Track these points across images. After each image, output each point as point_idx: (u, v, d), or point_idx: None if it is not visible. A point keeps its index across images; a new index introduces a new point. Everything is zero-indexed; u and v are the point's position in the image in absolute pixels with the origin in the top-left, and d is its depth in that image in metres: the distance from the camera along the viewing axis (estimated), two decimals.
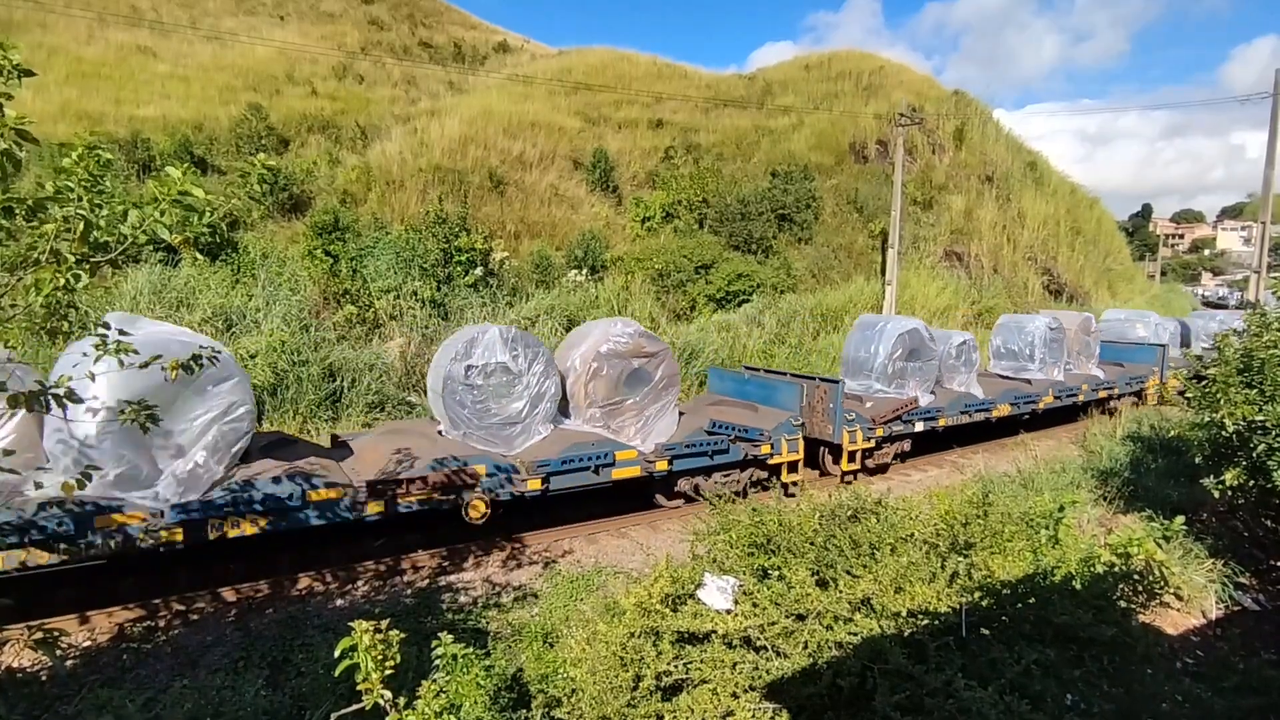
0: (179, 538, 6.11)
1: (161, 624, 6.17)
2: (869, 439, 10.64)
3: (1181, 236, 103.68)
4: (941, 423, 11.95)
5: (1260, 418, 6.74)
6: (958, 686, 3.71)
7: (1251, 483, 6.98)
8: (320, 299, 14.73)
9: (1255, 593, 7.05)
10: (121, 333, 3.30)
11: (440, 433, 8.23)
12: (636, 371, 8.73)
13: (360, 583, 7.11)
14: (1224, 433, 7.13)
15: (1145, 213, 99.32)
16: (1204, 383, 7.77)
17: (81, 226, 2.83)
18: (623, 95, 27.78)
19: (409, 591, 6.87)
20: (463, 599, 6.70)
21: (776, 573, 4.59)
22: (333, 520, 6.75)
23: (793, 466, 9.92)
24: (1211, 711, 4.69)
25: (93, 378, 3.91)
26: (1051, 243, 28.67)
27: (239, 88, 23.56)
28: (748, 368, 12.84)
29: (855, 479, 10.79)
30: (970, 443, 13.43)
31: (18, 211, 2.83)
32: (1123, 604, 5.68)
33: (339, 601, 6.68)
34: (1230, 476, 7.00)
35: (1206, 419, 7.46)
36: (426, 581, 7.14)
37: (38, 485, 4.12)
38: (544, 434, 8.26)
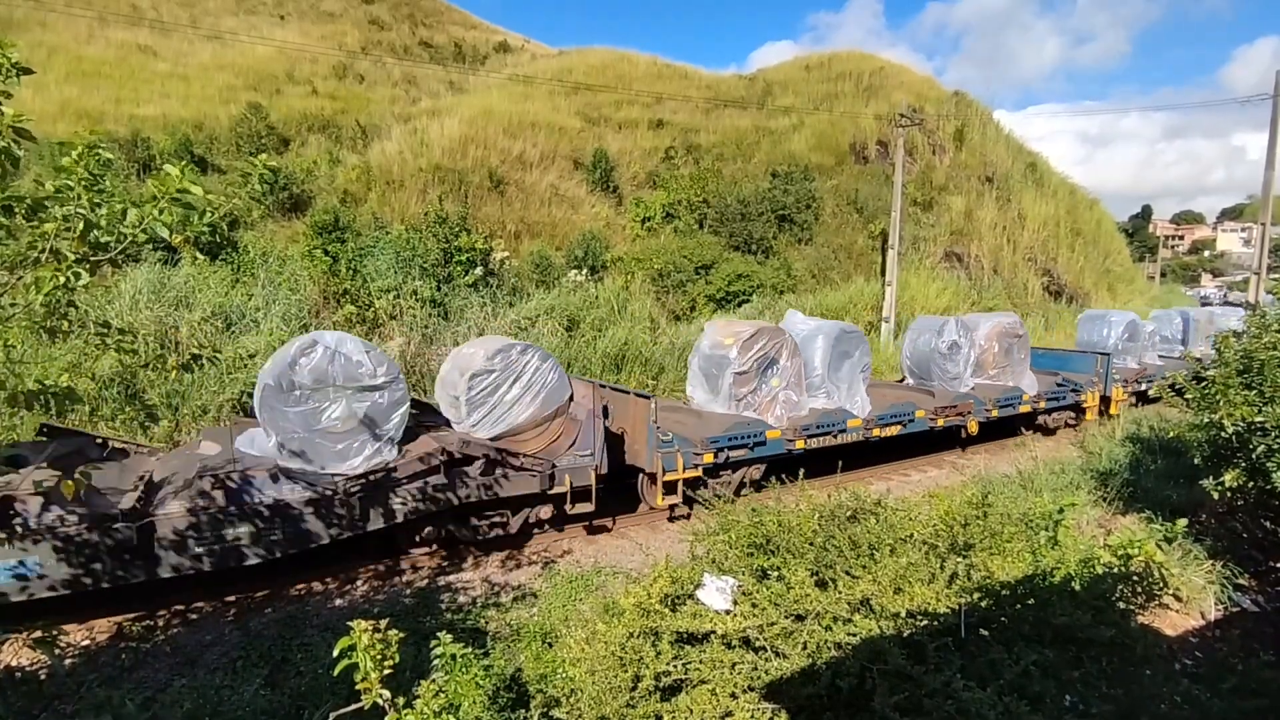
0: (877, 434, 10.53)
1: (160, 623, 6.17)
2: (1126, 394, 15.09)
3: (1181, 238, 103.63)
4: (1155, 386, 15.19)
5: (1259, 419, 6.72)
6: (957, 687, 3.71)
7: (1250, 484, 6.97)
8: (320, 298, 14.72)
9: (1254, 594, 7.04)
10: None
11: (908, 384, 13.06)
12: (1013, 346, 13.24)
13: (359, 582, 7.11)
14: (1223, 434, 7.11)
15: (1145, 214, 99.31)
16: (1203, 384, 7.75)
17: (81, 226, 2.83)
18: (623, 95, 27.77)
19: (408, 591, 6.87)
20: (461, 599, 6.69)
21: (776, 573, 4.58)
22: (921, 430, 11.27)
23: (1090, 410, 14.25)
24: (1210, 713, 4.69)
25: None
26: (1051, 244, 28.66)
27: (239, 87, 23.55)
28: None
29: (1106, 420, 14.39)
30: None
31: (17, 210, 2.83)
32: (1122, 605, 5.68)
33: (338, 601, 6.68)
34: (1229, 478, 6.99)
35: (1205, 420, 7.45)
36: (425, 581, 7.14)
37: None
38: (971, 385, 12.68)
